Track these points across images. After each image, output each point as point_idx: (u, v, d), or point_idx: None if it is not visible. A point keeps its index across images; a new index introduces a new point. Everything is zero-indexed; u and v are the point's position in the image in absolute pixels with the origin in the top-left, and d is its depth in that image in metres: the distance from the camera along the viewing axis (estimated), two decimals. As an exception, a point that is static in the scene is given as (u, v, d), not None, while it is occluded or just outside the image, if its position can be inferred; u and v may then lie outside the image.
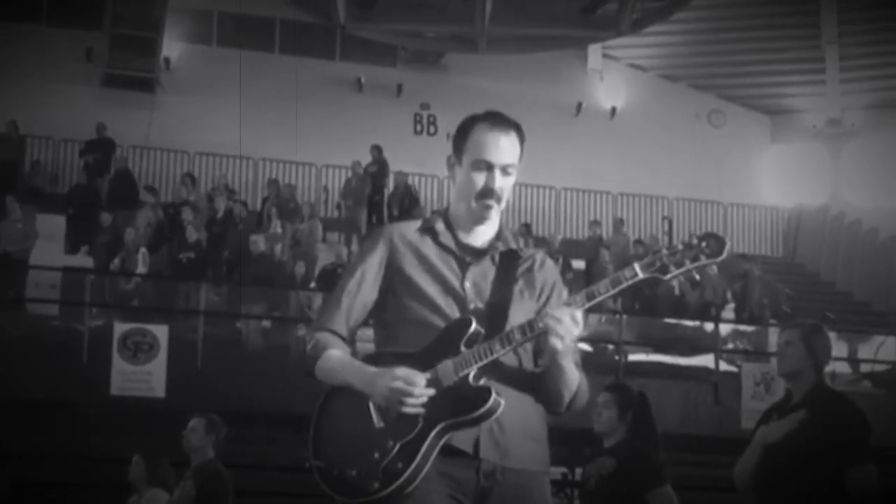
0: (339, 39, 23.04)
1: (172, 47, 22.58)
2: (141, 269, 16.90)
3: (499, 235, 3.65)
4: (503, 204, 3.59)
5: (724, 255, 3.36)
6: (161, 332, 13.92)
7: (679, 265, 3.37)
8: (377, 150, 20.81)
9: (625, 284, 3.37)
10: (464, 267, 3.57)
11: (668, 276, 3.38)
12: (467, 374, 3.36)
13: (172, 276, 16.79)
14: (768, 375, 14.83)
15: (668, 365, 16.72)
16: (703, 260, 3.38)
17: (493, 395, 3.32)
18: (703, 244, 3.38)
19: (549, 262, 3.72)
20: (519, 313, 3.51)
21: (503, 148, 3.56)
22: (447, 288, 3.53)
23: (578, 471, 11.15)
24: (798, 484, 5.21)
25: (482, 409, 3.32)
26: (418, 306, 3.52)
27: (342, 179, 21.62)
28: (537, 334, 3.36)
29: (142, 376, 13.62)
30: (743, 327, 18.23)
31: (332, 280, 15.85)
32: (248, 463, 11.04)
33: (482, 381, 3.37)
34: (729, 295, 18.95)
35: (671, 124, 24.52)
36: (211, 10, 23.26)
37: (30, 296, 15.99)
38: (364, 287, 3.61)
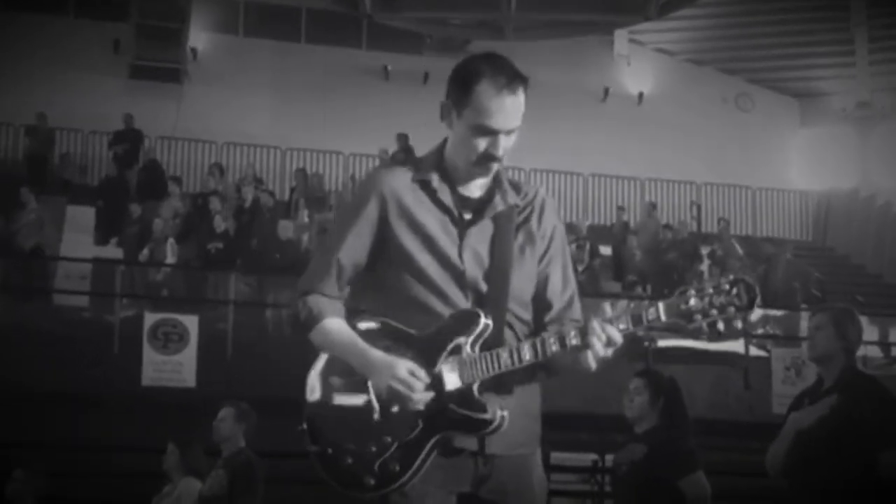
0: (366, 28, 23.05)
1: (199, 38, 22.63)
2: (170, 259, 16.96)
3: (497, 183, 3.45)
4: (505, 160, 3.37)
5: (754, 309, 3.15)
6: (191, 322, 13.96)
7: (706, 314, 3.17)
8: (403, 138, 20.80)
9: (645, 324, 3.19)
10: (461, 228, 3.37)
11: (692, 327, 3.19)
12: (472, 383, 3.24)
13: (201, 266, 16.85)
14: (799, 360, 14.74)
15: (698, 350, 16.63)
16: (731, 312, 3.16)
17: (499, 414, 3.21)
18: (734, 291, 3.15)
19: (549, 207, 3.52)
20: (521, 277, 3.39)
21: (509, 113, 3.29)
22: (444, 261, 3.34)
23: (609, 457, 11.14)
24: (830, 469, 5.18)
25: (486, 430, 3.22)
26: (416, 283, 3.35)
27: (370, 168, 21.64)
28: (548, 357, 3.22)
29: (172, 366, 13.66)
30: (773, 312, 18.14)
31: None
32: (279, 451, 11.06)
33: (485, 393, 3.25)
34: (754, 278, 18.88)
35: (699, 109, 24.40)
36: (237, 0, 23.30)
37: (60, 287, 16.07)
38: (356, 251, 3.41)
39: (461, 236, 3.37)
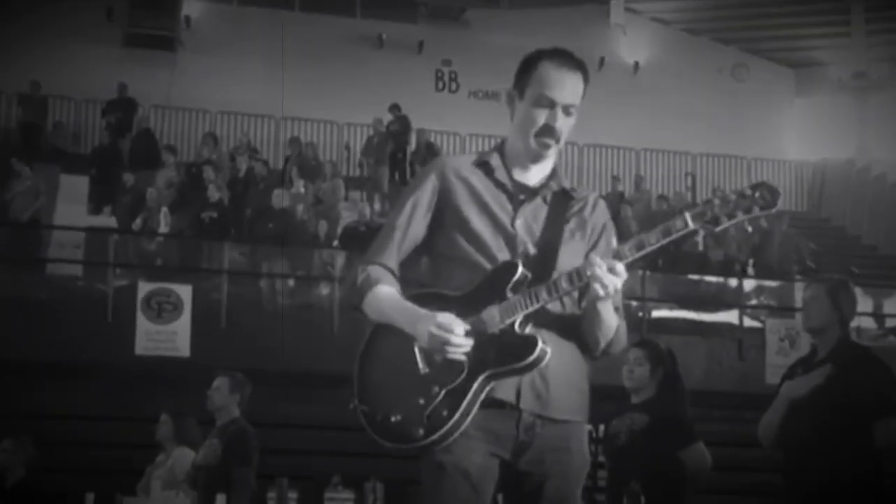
0: (360, -4, 22.98)
1: (193, 6, 22.50)
2: (163, 228, 16.92)
3: (553, 175, 3.62)
4: (561, 144, 3.55)
5: (778, 205, 3.27)
6: (185, 291, 13.97)
7: (731, 216, 3.29)
8: (396, 108, 20.74)
9: (675, 235, 3.30)
10: (516, 204, 3.53)
11: (720, 228, 3.31)
12: (513, 322, 3.35)
13: (195, 235, 16.82)
14: (793, 331, 14.77)
15: (692, 321, 16.67)
16: (756, 211, 3.29)
17: (540, 344, 3.30)
18: (757, 194, 3.29)
19: (601, 204, 3.68)
20: (568, 255, 3.49)
21: (568, 87, 3.51)
22: (497, 225, 3.50)
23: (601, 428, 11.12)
24: (823, 438, 5.20)
25: (529, 359, 3.31)
26: (466, 244, 3.49)
27: (364, 137, 21.58)
28: (585, 283, 3.33)
29: (166, 336, 13.67)
30: (767, 282, 18.14)
31: (355, 238, 15.87)
32: (273, 421, 11.08)
33: (528, 329, 3.37)
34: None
35: (694, 79, 24.31)
36: (231, -32, 23.18)
37: (54, 256, 16.03)
38: (415, 220, 3.56)
39: (515, 210, 3.53)
